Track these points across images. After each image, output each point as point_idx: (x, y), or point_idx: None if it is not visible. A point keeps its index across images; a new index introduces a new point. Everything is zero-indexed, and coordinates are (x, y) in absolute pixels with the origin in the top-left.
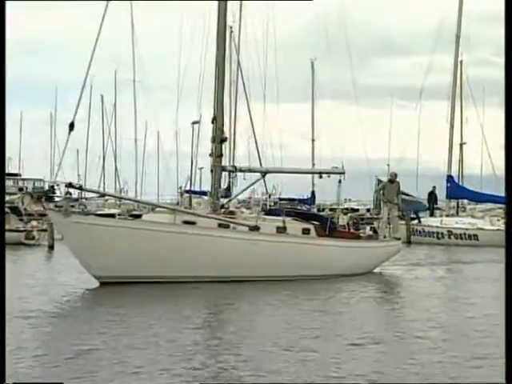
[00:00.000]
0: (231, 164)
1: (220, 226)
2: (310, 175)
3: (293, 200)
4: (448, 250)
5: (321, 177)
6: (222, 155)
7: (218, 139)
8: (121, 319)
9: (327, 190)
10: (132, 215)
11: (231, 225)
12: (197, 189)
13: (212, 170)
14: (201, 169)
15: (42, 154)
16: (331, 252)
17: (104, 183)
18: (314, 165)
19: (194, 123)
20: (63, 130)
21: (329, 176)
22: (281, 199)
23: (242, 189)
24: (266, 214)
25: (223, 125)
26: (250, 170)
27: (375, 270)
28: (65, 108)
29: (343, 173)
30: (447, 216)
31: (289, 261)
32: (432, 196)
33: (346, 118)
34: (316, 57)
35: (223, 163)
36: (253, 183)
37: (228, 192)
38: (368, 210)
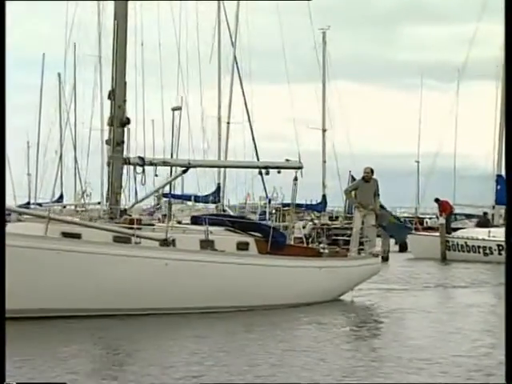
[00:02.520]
0: (137, 155)
1: (117, 239)
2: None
3: (299, 206)
4: (499, 270)
5: (279, 172)
6: (123, 142)
7: (118, 121)
8: None
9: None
10: None
11: (133, 238)
12: (178, 192)
13: (109, 163)
14: (278, 172)
15: None
16: (277, 274)
17: (61, 184)
18: (324, 162)
19: (174, 109)
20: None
21: (279, 172)
22: (284, 205)
23: (155, 188)
24: (193, 222)
25: (125, 101)
26: (165, 164)
27: (346, 297)
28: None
29: (300, 167)
30: (495, 226)
31: (214, 287)
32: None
33: (366, 103)
34: (329, 26)
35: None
36: (169, 181)
37: (215, 197)
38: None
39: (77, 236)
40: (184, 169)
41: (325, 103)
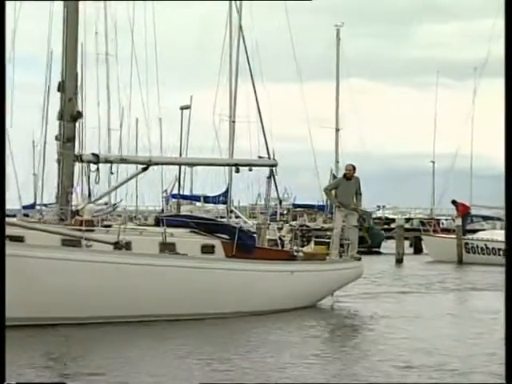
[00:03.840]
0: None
1: (66, 243)
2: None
3: (311, 207)
4: None
5: (250, 170)
6: (74, 138)
7: (68, 115)
8: None
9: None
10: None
11: (84, 241)
12: (187, 193)
13: (59, 161)
14: (249, 170)
15: None
16: (244, 279)
17: None
18: (337, 162)
19: (183, 108)
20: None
21: (250, 170)
22: (295, 205)
23: (110, 188)
24: (156, 224)
25: (76, 93)
26: (123, 161)
27: (327, 303)
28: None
29: (274, 165)
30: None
31: (174, 293)
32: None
33: (379, 102)
34: (343, 22)
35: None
36: (127, 179)
37: (225, 197)
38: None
39: (19, 239)
40: (144, 166)
41: (338, 102)
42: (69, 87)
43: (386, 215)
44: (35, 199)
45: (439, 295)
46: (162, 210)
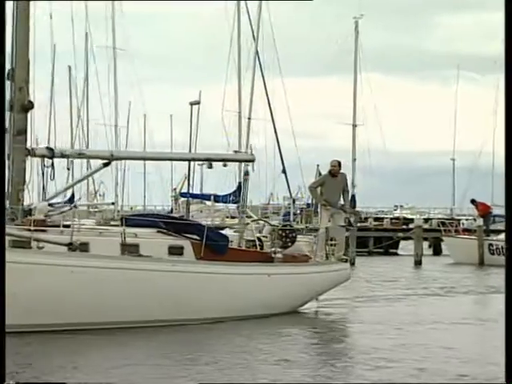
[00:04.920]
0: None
1: (16, 244)
2: None
3: None
4: None
5: (225, 165)
6: (26, 131)
7: (18, 106)
8: None
9: (374, 192)
10: None
11: (34, 242)
12: (197, 191)
13: (9, 155)
14: (202, 165)
15: None
16: (215, 283)
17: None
18: (354, 160)
19: (192, 104)
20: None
21: (224, 165)
22: (309, 205)
23: (68, 185)
24: (122, 224)
25: (27, 82)
26: (81, 156)
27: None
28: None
29: (251, 160)
30: None
31: (136, 298)
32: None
33: (398, 97)
34: (362, 14)
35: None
36: (86, 176)
37: (236, 196)
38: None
39: None
40: (106, 161)
41: (356, 97)
42: (19, 75)
43: (404, 215)
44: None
45: (462, 298)
46: (171, 210)
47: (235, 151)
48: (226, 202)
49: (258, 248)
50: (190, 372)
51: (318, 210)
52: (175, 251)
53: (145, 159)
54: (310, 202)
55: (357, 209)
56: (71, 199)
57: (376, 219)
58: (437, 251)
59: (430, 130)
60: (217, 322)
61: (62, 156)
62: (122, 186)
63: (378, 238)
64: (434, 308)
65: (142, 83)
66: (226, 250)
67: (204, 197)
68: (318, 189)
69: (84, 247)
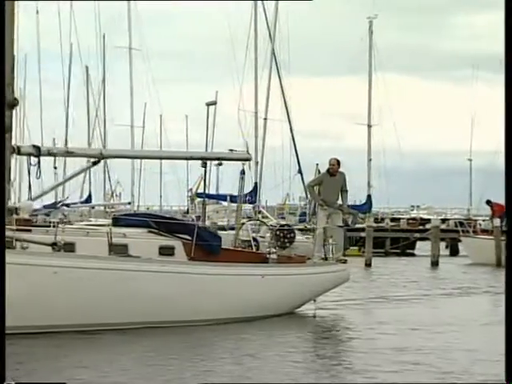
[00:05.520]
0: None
1: None
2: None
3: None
4: None
5: (220, 164)
6: (11, 128)
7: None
8: None
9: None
10: None
11: (17, 243)
12: (213, 192)
13: None
14: (219, 165)
15: None
16: (207, 284)
17: (90, 184)
18: (370, 160)
19: (208, 104)
20: (36, 111)
21: (220, 164)
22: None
23: (54, 184)
24: (114, 224)
25: (13, 78)
26: (69, 154)
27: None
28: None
29: (248, 159)
30: None
31: (124, 299)
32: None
33: (414, 96)
34: (376, 14)
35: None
36: (74, 174)
37: (252, 197)
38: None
39: None
40: (95, 160)
41: (371, 97)
42: (7, 73)
43: (421, 215)
44: (56, 198)
45: (480, 299)
46: (187, 210)
47: (230, 150)
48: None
49: (254, 248)
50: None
51: (316, 209)
52: (166, 251)
53: (135, 157)
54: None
55: (373, 209)
56: (88, 199)
57: (392, 220)
58: (454, 252)
59: (446, 130)
60: (208, 325)
61: (49, 154)
62: (139, 186)
63: (395, 239)
64: (451, 309)
65: (158, 83)
66: (218, 250)
67: (220, 197)
68: (316, 188)
69: (70, 247)
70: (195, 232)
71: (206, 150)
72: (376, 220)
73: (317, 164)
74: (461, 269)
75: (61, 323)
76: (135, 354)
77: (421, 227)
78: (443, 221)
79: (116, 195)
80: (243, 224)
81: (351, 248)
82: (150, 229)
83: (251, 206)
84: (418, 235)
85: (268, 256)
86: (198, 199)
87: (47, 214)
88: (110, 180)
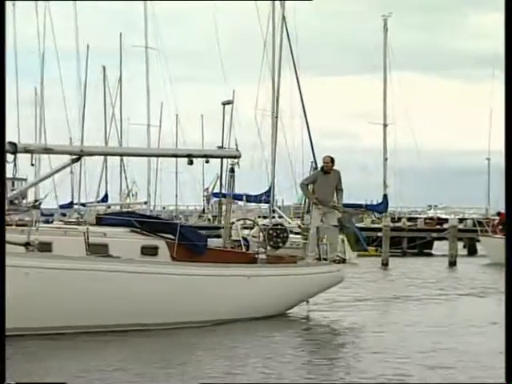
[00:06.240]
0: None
1: None
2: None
3: (358, 206)
4: None
5: (207, 161)
6: None
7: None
8: None
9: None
10: None
11: None
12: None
13: None
14: (206, 162)
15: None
16: (191, 285)
17: (106, 183)
18: (386, 159)
19: (224, 104)
20: (53, 110)
21: (207, 161)
22: (344, 205)
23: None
24: (97, 223)
25: None
26: (47, 151)
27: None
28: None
29: (237, 156)
30: None
31: (101, 301)
32: None
33: (431, 95)
34: (391, 12)
35: None
36: (52, 172)
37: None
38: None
39: None
40: (75, 157)
41: (386, 95)
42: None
43: (438, 215)
44: (72, 198)
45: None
46: (203, 210)
47: (219, 147)
48: (258, 202)
49: (244, 248)
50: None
51: (310, 208)
52: (149, 251)
53: (117, 155)
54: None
55: (389, 209)
56: (104, 198)
57: (410, 219)
58: (472, 251)
59: (464, 129)
60: (192, 327)
61: (26, 151)
62: (155, 185)
63: (412, 239)
64: (470, 309)
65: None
66: (203, 250)
67: (236, 197)
68: (310, 186)
69: (46, 247)
70: (178, 231)
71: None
72: (393, 220)
73: (311, 162)
74: (479, 269)
75: (32, 326)
76: (105, 362)
77: (438, 227)
78: (461, 220)
79: (132, 195)
80: (233, 223)
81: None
82: (132, 228)
83: (267, 205)
84: (435, 235)
85: (256, 256)
86: (214, 199)
87: (64, 214)
88: (126, 180)
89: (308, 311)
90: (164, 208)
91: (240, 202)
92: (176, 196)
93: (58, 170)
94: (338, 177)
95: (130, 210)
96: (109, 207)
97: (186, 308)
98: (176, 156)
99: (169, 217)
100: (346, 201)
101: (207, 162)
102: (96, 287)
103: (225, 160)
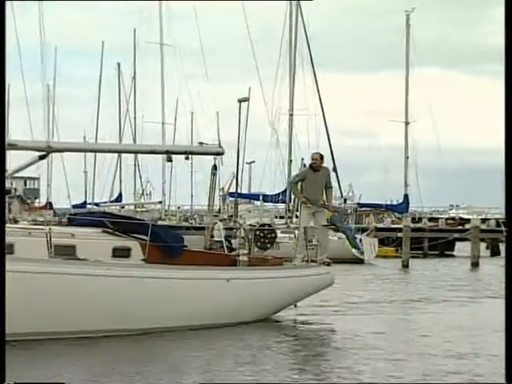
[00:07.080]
0: None
1: None
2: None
3: (378, 206)
4: None
5: (187, 158)
6: None
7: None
8: None
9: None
10: None
11: None
12: (245, 191)
13: None
14: (251, 163)
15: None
16: (165, 289)
17: (120, 182)
18: (407, 158)
19: (241, 101)
20: (64, 108)
21: (187, 158)
22: (361, 205)
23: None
24: (68, 223)
25: None
26: (11, 147)
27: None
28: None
29: (220, 153)
30: None
31: (67, 306)
32: None
33: (452, 92)
34: (413, 7)
35: None
36: (17, 169)
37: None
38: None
39: None
40: (42, 154)
41: (408, 93)
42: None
43: (460, 215)
44: (86, 198)
45: None
46: (219, 210)
47: (200, 143)
48: (275, 202)
49: (226, 250)
50: None
51: (299, 207)
52: (120, 253)
53: (88, 151)
54: (361, 202)
55: (410, 208)
56: (118, 198)
57: (431, 219)
58: (495, 252)
59: (487, 126)
60: (165, 332)
61: None
62: (169, 185)
63: (433, 239)
64: (491, 312)
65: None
66: (179, 251)
67: (252, 196)
68: (299, 184)
69: (8, 249)
70: (149, 231)
71: (238, 147)
72: (413, 220)
73: (302, 159)
74: (503, 270)
75: None
76: (73, 368)
77: (460, 227)
78: (483, 220)
79: (146, 194)
80: (215, 224)
81: (384, 248)
82: (105, 229)
83: (284, 205)
84: (457, 235)
85: (237, 258)
86: (230, 198)
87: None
88: (140, 179)
89: (296, 315)
90: (179, 208)
91: (257, 202)
92: (191, 195)
93: (24, 167)
94: (328, 174)
95: (104, 210)
96: (122, 207)
97: (159, 312)
98: (154, 153)
99: (183, 217)
100: (365, 200)
101: (187, 158)
102: (58, 291)
103: (240, 159)
